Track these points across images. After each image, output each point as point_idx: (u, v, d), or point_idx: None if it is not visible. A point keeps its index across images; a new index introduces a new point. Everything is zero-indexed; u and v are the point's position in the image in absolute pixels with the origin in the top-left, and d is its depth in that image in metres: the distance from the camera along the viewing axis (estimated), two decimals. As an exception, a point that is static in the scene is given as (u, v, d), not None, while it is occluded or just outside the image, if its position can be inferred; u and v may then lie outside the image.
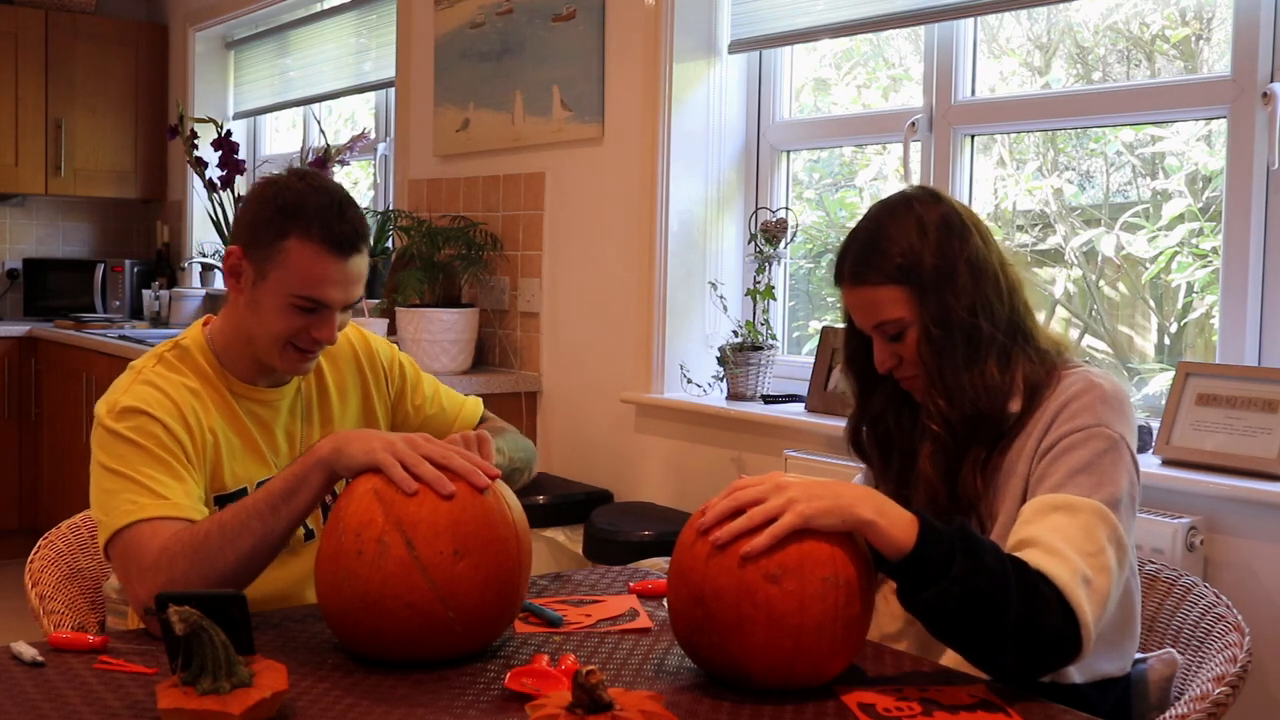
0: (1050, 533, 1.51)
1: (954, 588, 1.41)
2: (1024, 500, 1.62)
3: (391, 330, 3.85)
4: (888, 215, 1.70)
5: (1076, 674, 1.63)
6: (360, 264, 1.79)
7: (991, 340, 1.66)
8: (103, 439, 1.73)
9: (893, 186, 3.15)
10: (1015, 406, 1.67)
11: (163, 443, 1.72)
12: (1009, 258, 1.74)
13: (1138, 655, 1.73)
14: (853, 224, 1.75)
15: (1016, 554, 1.50)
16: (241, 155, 4.66)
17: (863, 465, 1.90)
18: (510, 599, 1.54)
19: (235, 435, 1.83)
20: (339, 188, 1.81)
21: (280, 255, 1.75)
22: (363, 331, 2.05)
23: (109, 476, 1.70)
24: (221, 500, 1.79)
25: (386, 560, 1.46)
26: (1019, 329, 1.69)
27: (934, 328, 1.64)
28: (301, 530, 1.85)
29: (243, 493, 1.80)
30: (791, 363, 3.28)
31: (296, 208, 1.75)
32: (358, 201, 1.83)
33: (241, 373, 1.85)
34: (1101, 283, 2.82)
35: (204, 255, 5.46)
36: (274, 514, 1.61)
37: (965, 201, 2.87)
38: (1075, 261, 2.82)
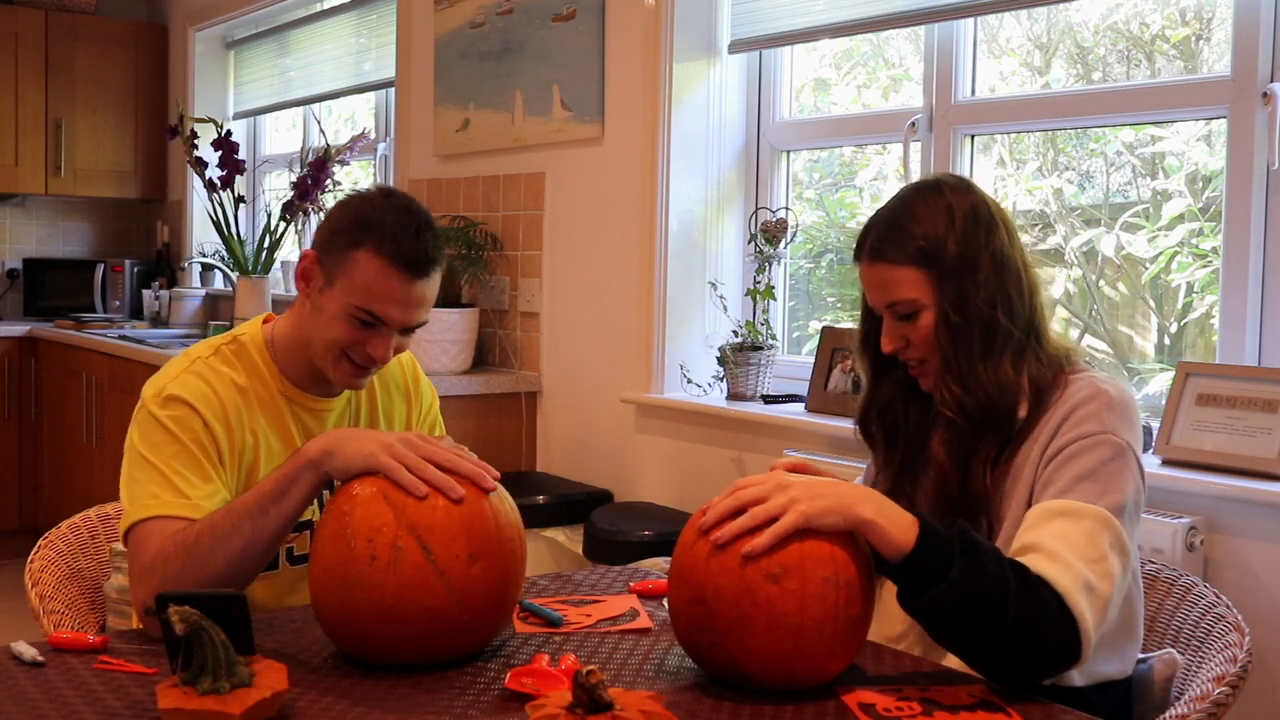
0: (1053, 538, 1.51)
1: (952, 591, 1.41)
2: (1029, 505, 1.61)
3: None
4: (917, 197, 1.70)
5: (1078, 677, 1.62)
6: (427, 289, 1.78)
7: (1008, 336, 1.65)
8: (143, 422, 1.75)
9: (893, 186, 3.15)
10: (1022, 411, 1.67)
11: (199, 439, 1.73)
12: (1030, 259, 1.73)
13: (1139, 656, 1.73)
14: (854, 223, 1.76)
15: (1019, 559, 1.50)
16: (241, 155, 4.66)
17: (863, 466, 1.90)
18: (514, 598, 1.55)
19: (278, 439, 1.83)
20: (422, 210, 1.81)
21: (349, 264, 1.75)
22: (416, 364, 2.04)
23: (140, 464, 1.71)
24: None
25: (402, 565, 1.45)
26: (1034, 330, 1.69)
27: (953, 314, 1.64)
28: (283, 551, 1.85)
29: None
30: (791, 363, 3.28)
31: (373, 221, 1.75)
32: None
33: (296, 377, 1.85)
34: (1101, 283, 2.82)
35: (204, 255, 5.46)
36: (264, 515, 1.60)
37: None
38: (1075, 261, 2.82)
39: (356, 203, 1.80)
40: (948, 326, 1.64)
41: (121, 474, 1.74)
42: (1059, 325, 2.86)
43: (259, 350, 1.84)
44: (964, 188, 1.71)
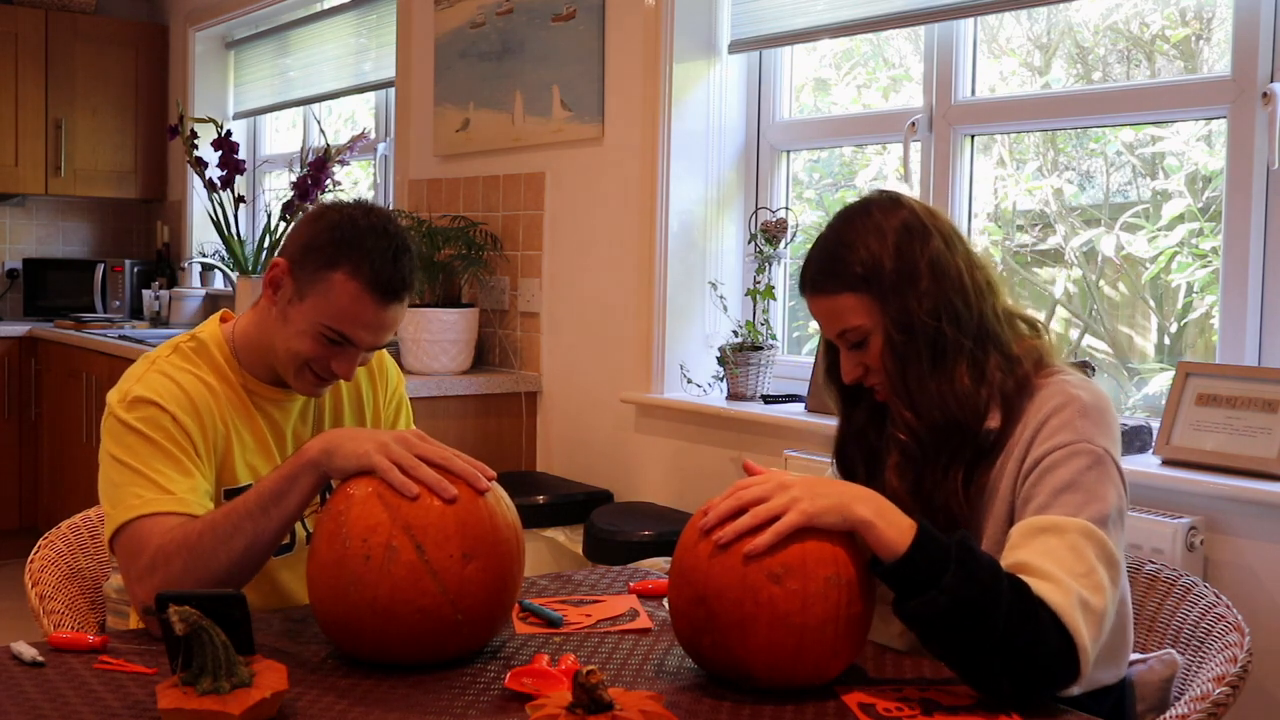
0: (1041, 556, 1.48)
1: (942, 598, 1.39)
2: (1010, 521, 1.58)
3: (391, 330, 3.85)
4: (846, 222, 1.66)
5: (1073, 688, 1.61)
6: (398, 313, 1.79)
7: (958, 346, 1.60)
8: (113, 428, 1.74)
9: (893, 187, 3.15)
10: (994, 422, 1.62)
11: (172, 436, 1.72)
12: (980, 260, 1.68)
13: (1137, 655, 1.73)
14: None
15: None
16: (241, 155, 4.66)
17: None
18: (512, 598, 1.55)
19: (247, 430, 1.83)
20: (400, 232, 1.79)
21: (324, 284, 1.74)
22: (383, 351, 2.03)
23: (117, 468, 1.71)
24: (231, 494, 1.79)
25: (396, 565, 1.45)
26: (989, 335, 1.63)
27: (896, 333, 1.59)
28: (303, 534, 1.85)
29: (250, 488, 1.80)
30: (791, 363, 3.28)
31: (353, 242, 1.74)
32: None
33: (258, 373, 1.85)
34: (1101, 283, 2.82)
35: (204, 255, 5.46)
36: (264, 515, 1.61)
37: (965, 202, 2.87)
38: (1075, 261, 2.82)
39: (335, 218, 1.77)
40: (892, 347, 1.60)
41: (99, 483, 1.73)
42: (1059, 325, 2.86)
43: (219, 347, 1.84)
44: (891, 203, 1.66)
